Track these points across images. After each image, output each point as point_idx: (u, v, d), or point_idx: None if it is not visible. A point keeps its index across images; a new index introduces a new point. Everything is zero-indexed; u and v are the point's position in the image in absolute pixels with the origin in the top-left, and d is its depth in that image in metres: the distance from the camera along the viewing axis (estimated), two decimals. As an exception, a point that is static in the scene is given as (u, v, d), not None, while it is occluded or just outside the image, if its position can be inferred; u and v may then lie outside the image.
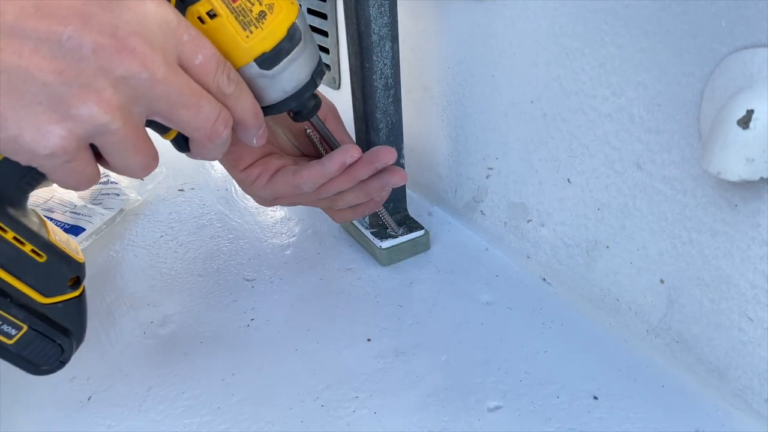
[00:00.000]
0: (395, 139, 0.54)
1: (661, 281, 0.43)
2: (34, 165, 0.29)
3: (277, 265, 0.56)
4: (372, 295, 0.52)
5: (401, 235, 0.55)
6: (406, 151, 0.56)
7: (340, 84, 0.73)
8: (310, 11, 0.74)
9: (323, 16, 0.72)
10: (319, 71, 0.39)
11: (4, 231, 0.31)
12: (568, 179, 0.48)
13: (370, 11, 0.47)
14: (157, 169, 0.71)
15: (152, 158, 0.33)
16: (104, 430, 0.41)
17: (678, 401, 0.41)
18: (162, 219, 0.64)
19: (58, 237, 0.34)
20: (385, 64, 0.50)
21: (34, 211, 0.34)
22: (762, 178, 0.33)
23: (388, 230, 0.55)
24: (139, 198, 0.67)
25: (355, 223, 0.57)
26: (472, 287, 0.53)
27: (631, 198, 0.43)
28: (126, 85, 0.29)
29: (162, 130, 0.34)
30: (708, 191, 0.37)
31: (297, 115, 0.41)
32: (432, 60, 0.58)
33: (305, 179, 0.43)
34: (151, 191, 0.69)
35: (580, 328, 0.48)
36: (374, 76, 0.50)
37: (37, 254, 0.32)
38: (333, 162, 0.43)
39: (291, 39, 0.36)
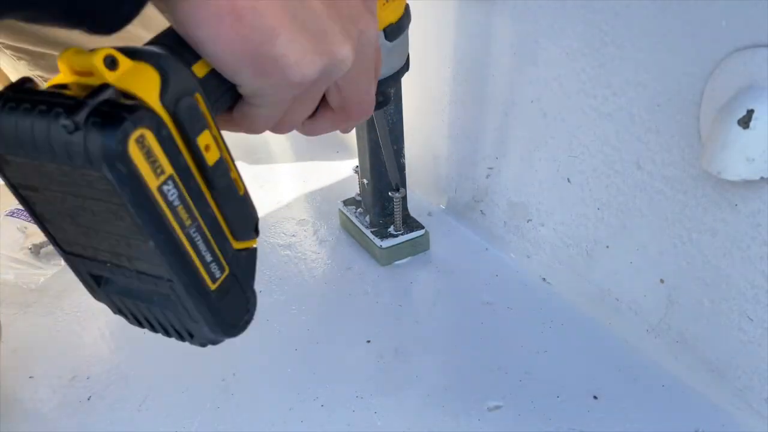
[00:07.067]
0: (395, 138, 0.54)
1: (661, 281, 0.43)
2: (266, 88, 0.27)
3: (277, 265, 0.56)
4: (372, 295, 0.52)
5: (401, 234, 0.55)
6: (406, 151, 0.56)
7: (340, 84, 0.73)
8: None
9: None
10: (407, 66, 0.40)
11: (225, 149, 0.25)
12: (568, 179, 0.48)
13: (370, 11, 0.47)
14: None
15: None
16: (104, 430, 0.41)
17: (678, 401, 0.41)
18: (162, 219, 0.64)
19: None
20: (385, 64, 0.50)
21: None
22: (762, 178, 0.33)
23: (389, 229, 0.55)
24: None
25: (356, 222, 0.57)
26: (472, 287, 0.53)
27: (631, 198, 0.43)
28: (360, 39, 0.30)
29: None
30: (708, 191, 0.37)
31: (384, 101, 0.41)
32: (432, 60, 0.58)
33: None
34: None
35: (580, 328, 0.48)
36: (374, 76, 0.50)
37: (238, 185, 0.26)
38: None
39: (407, 15, 0.37)
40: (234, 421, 0.41)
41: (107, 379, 0.44)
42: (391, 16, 0.36)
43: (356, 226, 0.57)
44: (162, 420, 0.41)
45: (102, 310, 0.56)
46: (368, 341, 0.47)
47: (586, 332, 0.47)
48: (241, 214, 0.27)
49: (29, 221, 0.58)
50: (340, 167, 0.74)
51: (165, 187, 0.23)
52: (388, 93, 0.42)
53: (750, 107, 0.31)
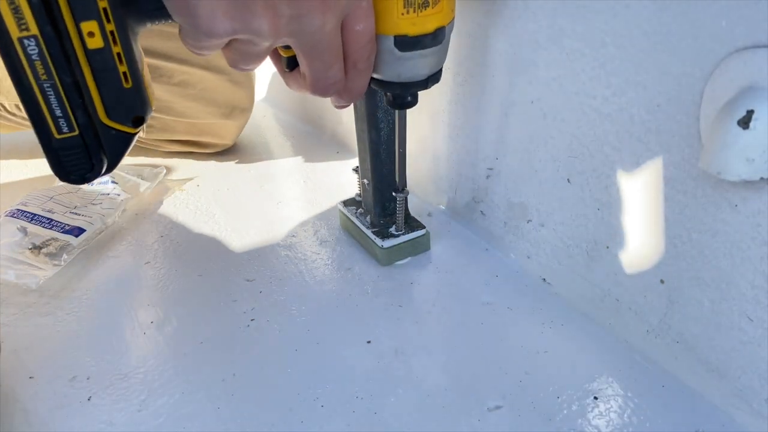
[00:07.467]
0: (396, 138, 0.54)
1: (661, 281, 0.43)
2: (182, 23, 0.32)
3: (277, 265, 0.56)
4: (372, 295, 0.52)
5: (402, 234, 0.55)
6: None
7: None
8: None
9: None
10: (435, 77, 0.41)
11: (114, 43, 0.32)
12: (568, 179, 0.48)
13: (370, 11, 0.47)
14: (156, 169, 0.71)
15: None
16: (104, 430, 0.41)
17: (678, 401, 0.41)
18: (162, 219, 0.64)
19: (147, 77, 0.36)
20: (385, 64, 0.49)
21: (139, 44, 0.36)
22: (762, 178, 0.33)
23: (390, 230, 0.55)
24: (140, 198, 0.67)
25: (356, 222, 0.57)
26: (472, 287, 0.53)
27: (631, 198, 0.43)
28: (298, 21, 0.32)
29: (287, 50, 0.38)
30: (708, 191, 0.37)
31: (393, 102, 0.43)
32: (432, 60, 0.58)
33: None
34: (151, 191, 0.69)
35: (580, 328, 0.48)
36: (374, 76, 0.50)
37: (126, 79, 0.34)
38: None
39: (434, 38, 0.38)
40: (234, 421, 0.41)
41: (107, 379, 0.44)
42: (407, 28, 0.36)
43: (357, 226, 0.57)
44: (162, 420, 0.41)
45: (102, 309, 0.56)
46: (368, 341, 0.47)
47: (586, 332, 0.47)
48: (118, 100, 0.34)
49: (29, 221, 0.58)
50: (340, 167, 0.74)
51: (26, 41, 0.30)
52: (398, 97, 0.42)
53: (750, 107, 0.31)
